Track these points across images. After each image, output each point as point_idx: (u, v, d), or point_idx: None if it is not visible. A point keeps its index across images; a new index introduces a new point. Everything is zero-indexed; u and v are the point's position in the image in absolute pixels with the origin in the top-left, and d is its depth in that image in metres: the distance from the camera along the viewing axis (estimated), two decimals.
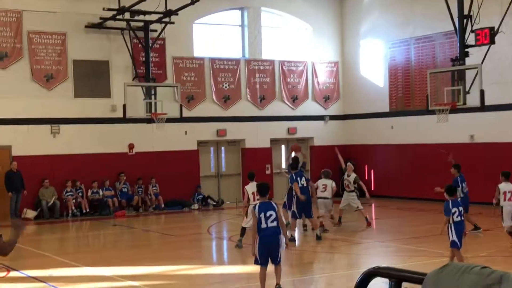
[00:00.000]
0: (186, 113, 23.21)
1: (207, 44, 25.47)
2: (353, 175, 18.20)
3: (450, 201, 11.55)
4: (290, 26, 27.21)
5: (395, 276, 2.20)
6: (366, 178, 26.08)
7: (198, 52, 25.08)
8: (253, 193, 14.37)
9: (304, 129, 26.95)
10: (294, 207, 15.98)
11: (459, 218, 11.46)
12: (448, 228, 11.53)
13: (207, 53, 25.32)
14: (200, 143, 25.16)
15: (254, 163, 25.53)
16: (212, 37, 25.71)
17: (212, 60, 25.19)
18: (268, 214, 10.09)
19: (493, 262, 12.09)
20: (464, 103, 18.66)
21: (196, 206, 23.96)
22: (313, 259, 14.64)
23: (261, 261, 10.16)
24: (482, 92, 18.06)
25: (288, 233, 15.16)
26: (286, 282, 11.52)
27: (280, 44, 26.97)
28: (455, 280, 1.90)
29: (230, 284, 11.80)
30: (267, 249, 10.12)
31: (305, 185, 16.05)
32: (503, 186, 14.53)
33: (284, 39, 27.14)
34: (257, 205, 10.40)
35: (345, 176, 18.30)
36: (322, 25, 27.49)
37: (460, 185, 15.94)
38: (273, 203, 10.42)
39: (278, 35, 27.05)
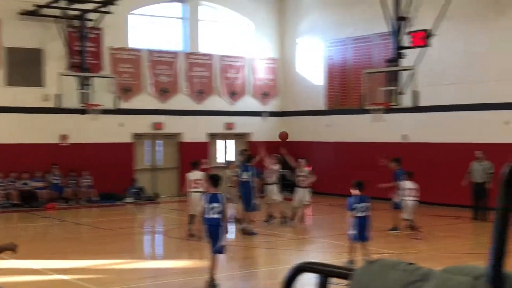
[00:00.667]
0: (122, 105, 22.89)
1: (146, 36, 25.17)
2: (307, 170, 18.19)
3: (354, 196, 12.18)
4: (230, 21, 27.17)
5: (323, 272, 2.20)
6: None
7: (135, 44, 24.76)
8: (194, 181, 15.28)
9: (242, 125, 26.99)
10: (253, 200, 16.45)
11: (363, 213, 12.08)
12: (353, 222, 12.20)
13: (145, 44, 25.03)
14: (135, 135, 24.86)
15: (191, 157, 25.32)
16: (151, 29, 25.42)
17: (150, 52, 24.92)
18: (213, 205, 10.58)
19: (422, 260, 12.37)
20: (398, 103, 19.03)
21: (130, 199, 23.67)
22: (247, 254, 14.66)
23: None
24: (415, 93, 18.45)
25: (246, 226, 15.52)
26: (220, 277, 11.50)
27: (219, 39, 26.90)
28: (382, 276, 1.91)
29: (163, 278, 11.70)
30: (209, 237, 10.75)
31: (247, 179, 16.37)
32: (407, 184, 15.68)
33: (224, 34, 27.08)
34: (206, 194, 11.02)
35: (298, 172, 18.27)
36: (262, 21, 27.56)
37: (400, 178, 16.33)
38: (220, 195, 10.78)
39: (218, 29, 26.97)
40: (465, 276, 1.74)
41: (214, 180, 10.97)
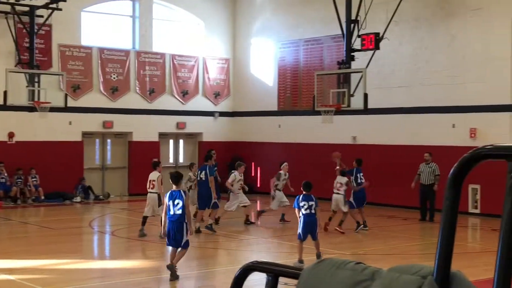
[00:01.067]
0: (71, 103, 22.57)
1: (96, 33, 24.85)
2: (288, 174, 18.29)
3: (301, 195, 12.68)
4: (182, 20, 27.04)
5: (272, 271, 2.20)
6: (253, 175, 26.38)
7: (86, 41, 24.43)
8: (151, 181, 15.60)
9: (193, 124, 26.88)
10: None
11: (308, 211, 12.48)
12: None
13: (96, 42, 24.71)
14: (85, 134, 24.52)
15: (142, 157, 25.19)
16: (101, 27, 25.11)
17: (101, 50, 24.61)
18: (176, 202, 11.07)
19: (370, 260, 12.52)
20: (349, 105, 19.23)
21: (78, 198, 23.34)
22: (197, 254, 14.60)
23: (169, 243, 11.40)
24: (365, 96, 18.68)
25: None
26: (166, 278, 11.44)
27: (171, 38, 26.74)
28: (330, 275, 1.91)
29: (111, 279, 11.56)
30: (172, 233, 11.14)
31: (203, 178, 16.65)
32: (338, 178, 16.71)
33: (176, 33, 26.94)
34: (169, 192, 11.34)
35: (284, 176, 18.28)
36: (215, 21, 27.51)
37: (354, 175, 17.09)
38: (182, 192, 11.27)
39: (170, 28, 26.81)
40: (412, 275, 1.76)
41: (175, 177, 11.43)
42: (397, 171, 21.19)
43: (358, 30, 19.51)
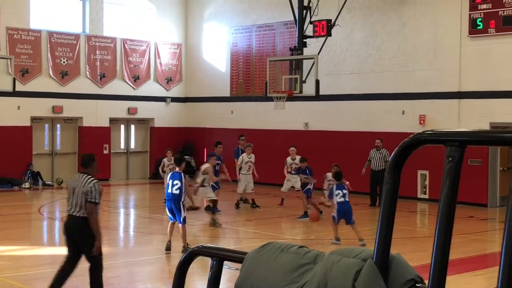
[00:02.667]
0: (19, 87, 22.12)
1: (46, 17, 24.36)
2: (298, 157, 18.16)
3: (334, 185, 13.57)
4: (133, 4, 26.70)
5: (217, 255, 2.22)
6: (205, 160, 26.30)
7: (35, 24, 23.93)
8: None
9: (145, 110, 26.66)
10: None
11: (342, 199, 13.31)
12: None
13: (45, 25, 24.23)
14: (34, 119, 24.09)
15: (92, 142, 24.89)
16: (51, 10, 24.62)
17: (50, 34, 24.15)
18: (175, 182, 12.13)
19: (320, 246, 12.66)
20: (301, 92, 19.34)
21: (27, 185, 22.95)
22: (150, 240, 14.55)
23: (170, 217, 12.42)
24: (317, 82, 18.81)
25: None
26: (117, 264, 11.37)
27: (123, 22, 26.40)
28: (273, 259, 1.94)
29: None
30: (169, 208, 12.29)
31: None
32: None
33: (127, 17, 26.60)
34: (171, 172, 12.83)
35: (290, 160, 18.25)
36: (166, 5, 27.25)
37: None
38: (181, 174, 12.31)
39: (121, 12, 26.46)
40: (353, 258, 1.79)
41: (178, 160, 12.75)
42: (348, 157, 21.42)
43: (311, 17, 19.60)
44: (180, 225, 12.24)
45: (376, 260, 1.74)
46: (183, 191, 12.12)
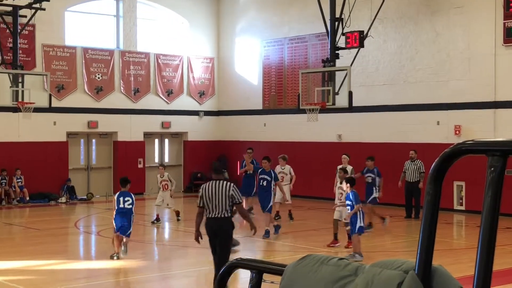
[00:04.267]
0: (55, 103, 22.45)
1: (80, 33, 24.74)
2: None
3: (351, 192, 12.69)
4: (166, 19, 26.98)
5: (256, 268, 2.21)
6: (238, 174, 26.34)
7: (70, 41, 24.31)
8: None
9: (178, 124, 26.84)
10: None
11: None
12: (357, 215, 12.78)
13: (80, 42, 24.60)
14: (69, 134, 24.41)
15: (127, 157, 25.16)
16: (85, 26, 25.00)
17: (85, 50, 24.51)
18: (126, 199, 12.96)
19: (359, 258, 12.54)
20: (333, 104, 19.25)
21: (63, 199, 23.23)
22: (185, 253, 14.59)
23: (119, 231, 12.95)
24: (350, 94, 18.71)
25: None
26: (152, 278, 11.42)
27: (156, 37, 26.67)
28: (313, 271, 1.93)
29: (95, 279, 11.53)
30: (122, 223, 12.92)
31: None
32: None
33: (160, 32, 26.87)
34: (118, 192, 13.39)
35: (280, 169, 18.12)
36: (199, 20, 27.47)
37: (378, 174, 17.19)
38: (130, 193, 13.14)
39: (154, 27, 26.74)
40: (394, 270, 1.77)
41: (124, 181, 13.45)
42: (382, 169, 21.22)
43: (343, 28, 19.54)
44: (125, 237, 12.89)
45: (418, 272, 1.72)
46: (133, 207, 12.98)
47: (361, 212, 12.71)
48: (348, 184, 12.82)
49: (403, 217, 18.96)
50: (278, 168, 17.70)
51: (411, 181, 18.93)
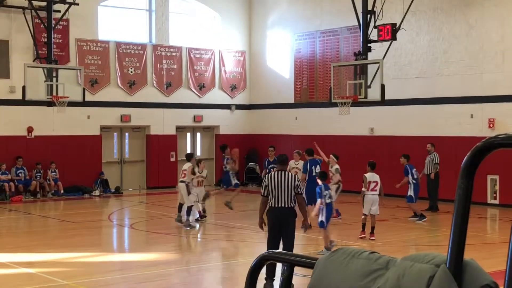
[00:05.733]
0: (89, 97, 22.70)
1: (113, 28, 24.95)
2: (336, 166, 16.87)
3: (322, 185, 12.79)
4: (198, 13, 27.07)
5: (288, 261, 2.23)
6: (262, 175, 26.35)
7: (103, 35, 24.54)
8: (182, 171, 16.73)
9: (210, 117, 26.95)
10: None
11: (329, 201, 12.80)
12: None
13: (113, 36, 24.82)
14: (103, 128, 24.67)
15: (159, 150, 25.36)
16: (118, 21, 25.21)
17: (118, 44, 24.72)
18: None
19: (387, 252, 12.49)
20: (365, 97, 19.16)
21: (97, 192, 23.51)
22: (214, 246, 14.67)
23: None
24: (382, 87, 18.60)
25: None
26: (185, 270, 11.52)
27: (187, 31, 26.78)
28: (344, 264, 1.94)
29: (130, 271, 11.66)
30: None
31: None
32: (369, 176, 14.64)
33: (192, 26, 26.97)
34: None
35: (329, 168, 17.28)
36: (230, 14, 27.51)
37: (410, 172, 17.14)
38: None
39: (186, 21, 26.85)
40: (426, 264, 1.78)
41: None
42: (414, 163, 21.07)
43: (375, 21, 19.42)
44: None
45: (449, 266, 1.72)
46: None
47: (324, 207, 12.70)
48: (319, 180, 13.16)
49: (425, 210, 18.97)
50: (292, 163, 16.55)
51: (427, 173, 18.98)
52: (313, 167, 15.78)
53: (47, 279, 10.77)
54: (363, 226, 14.47)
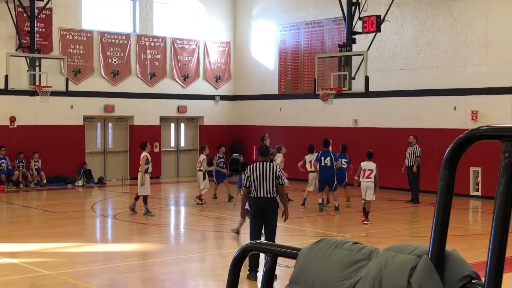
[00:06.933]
0: (72, 87, 22.57)
1: (97, 17, 24.78)
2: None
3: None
4: (182, 3, 26.93)
5: (271, 251, 2.23)
6: (254, 158, 26.39)
7: (86, 25, 24.37)
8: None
9: (194, 108, 26.89)
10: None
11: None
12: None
13: (96, 26, 24.66)
14: (86, 118, 24.55)
15: (143, 141, 25.20)
16: (102, 10, 25.04)
17: (101, 34, 24.57)
18: None
19: (371, 243, 12.57)
20: (350, 89, 19.21)
21: (80, 182, 23.41)
22: (201, 237, 14.68)
23: None
24: (366, 78, 18.65)
25: None
26: (168, 261, 11.51)
27: (172, 21, 26.66)
28: (328, 254, 1.94)
29: (113, 262, 11.64)
30: None
31: (328, 164, 17.22)
32: (364, 165, 15.71)
33: (176, 17, 26.85)
34: None
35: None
36: (214, 4, 27.41)
37: (319, 159, 17.48)
38: None
39: (170, 11, 26.72)
40: (408, 255, 1.79)
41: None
42: (398, 155, 21.20)
43: (359, 13, 19.45)
44: None
45: (431, 256, 1.73)
46: None
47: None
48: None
49: (406, 201, 19.16)
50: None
51: (409, 165, 19.15)
52: (323, 158, 17.20)
53: (30, 269, 10.73)
54: (364, 210, 15.57)
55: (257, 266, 9.82)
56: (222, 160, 19.57)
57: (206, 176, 18.43)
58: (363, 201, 15.58)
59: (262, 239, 9.89)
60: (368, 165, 15.54)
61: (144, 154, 16.95)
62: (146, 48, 25.58)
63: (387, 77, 21.98)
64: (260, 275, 9.75)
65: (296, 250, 2.07)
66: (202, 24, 27.21)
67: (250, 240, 9.58)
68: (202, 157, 18.63)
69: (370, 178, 15.41)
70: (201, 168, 18.47)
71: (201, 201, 18.42)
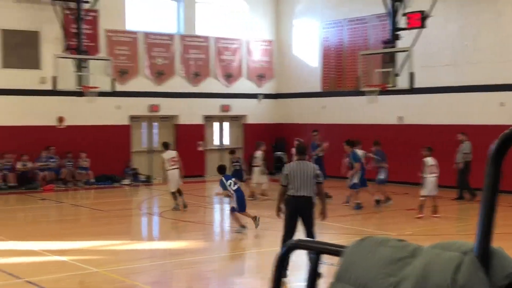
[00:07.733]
0: (118, 87, 22.87)
1: (142, 18, 25.07)
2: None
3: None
4: (225, 3, 27.05)
5: (315, 248, 2.25)
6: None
7: (131, 26, 24.68)
8: (171, 159, 17.85)
9: (237, 107, 26.99)
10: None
11: (235, 187, 14.07)
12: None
13: (141, 27, 24.94)
14: (132, 118, 24.86)
15: (187, 140, 25.48)
16: (146, 11, 25.32)
17: (146, 34, 24.84)
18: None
19: (416, 241, 12.45)
20: (394, 85, 19.05)
21: (126, 181, 23.73)
22: (243, 236, 14.73)
23: None
24: (411, 75, 18.47)
25: None
26: (213, 259, 11.59)
27: (215, 21, 26.80)
28: (371, 252, 1.95)
29: (159, 259, 11.79)
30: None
31: None
32: (429, 161, 15.83)
33: (219, 16, 26.98)
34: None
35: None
36: (257, 3, 27.45)
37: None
38: None
39: (213, 11, 26.86)
40: (453, 252, 1.78)
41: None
42: (444, 151, 20.91)
43: (403, 9, 19.25)
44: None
45: (477, 254, 1.73)
46: None
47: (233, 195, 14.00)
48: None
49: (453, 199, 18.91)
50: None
51: (458, 162, 18.89)
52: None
53: (78, 267, 10.94)
54: (421, 207, 15.61)
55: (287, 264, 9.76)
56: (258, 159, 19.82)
57: (265, 171, 19.21)
58: (423, 198, 15.59)
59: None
60: (433, 161, 15.74)
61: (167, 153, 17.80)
62: (190, 48, 25.77)
63: (432, 73, 21.69)
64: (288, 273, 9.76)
65: (341, 248, 2.08)
66: (244, 23, 27.28)
67: (285, 239, 9.61)
68: (259, 153, 19.16)
69: (436, 173, 15.71)
70: (257, 164, 19.07)
71: (256, 197, 18.85)
